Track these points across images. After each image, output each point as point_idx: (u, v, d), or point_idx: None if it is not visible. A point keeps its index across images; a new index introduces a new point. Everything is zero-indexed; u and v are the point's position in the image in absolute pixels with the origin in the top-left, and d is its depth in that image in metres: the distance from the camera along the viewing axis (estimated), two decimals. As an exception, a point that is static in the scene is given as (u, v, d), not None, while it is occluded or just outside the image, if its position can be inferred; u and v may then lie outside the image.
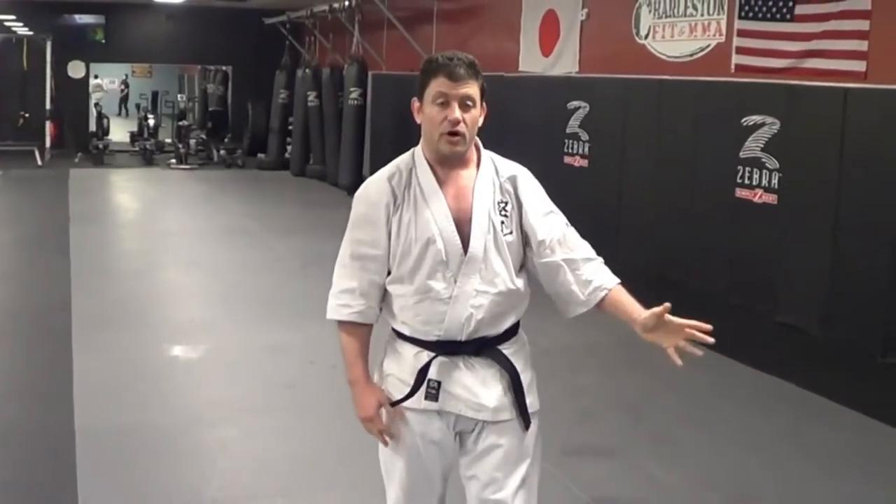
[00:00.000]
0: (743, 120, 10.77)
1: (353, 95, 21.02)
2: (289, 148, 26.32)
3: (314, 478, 6.99)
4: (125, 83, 42.72)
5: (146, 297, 12.25)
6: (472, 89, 4.06)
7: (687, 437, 7.93)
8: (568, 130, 14.28)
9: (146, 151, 28.81)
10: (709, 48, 11.88)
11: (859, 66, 9.64)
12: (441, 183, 4.14)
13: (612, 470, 7.27)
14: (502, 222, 4.14)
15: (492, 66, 17.14)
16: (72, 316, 10.91)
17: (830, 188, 9.76)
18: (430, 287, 4.08)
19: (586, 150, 13.91)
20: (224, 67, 32.48)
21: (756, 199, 10.59)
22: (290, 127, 26.04)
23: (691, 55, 12.17)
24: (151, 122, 30.98)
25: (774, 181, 10.43)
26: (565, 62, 15.00)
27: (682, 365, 3.88)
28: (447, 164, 4.15)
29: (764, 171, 10.53)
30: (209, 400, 8.58)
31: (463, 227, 4.09)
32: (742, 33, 11.16)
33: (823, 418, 8.42)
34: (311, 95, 23.90)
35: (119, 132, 32.26)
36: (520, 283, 4.19)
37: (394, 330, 4.29)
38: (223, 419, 8.06)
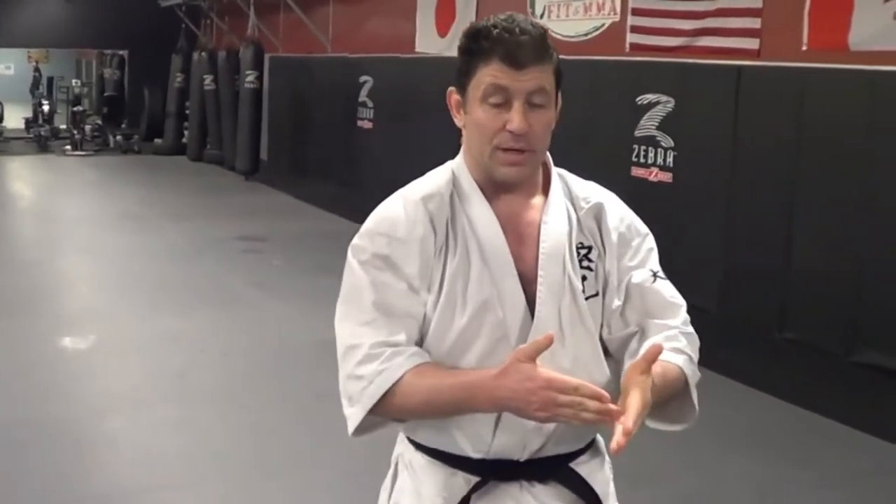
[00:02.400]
0: (638, 98, 10.75)
1: (250, 79, 20.81)
2: (186, 133, 26.05)
3: (203, 469, 6.85)
4: (37, 69, 42.29)
5: (36, 287, 12.00)
6: (546, 77, 2.63)
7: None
8: (465, 111, 14.22)
9: (41, 138, 28.47)
10: (603, 27, 11.85)
11: (752, 43, 9.65)
12: (496, 215, 2.72)
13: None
14: (584, 278, 2.74)
15: (388, 47, 17.09)
16: (-43, 307, 10.69)
17: (725, 165, 9.78)
18: None
19: (483, 130, 13.87)
20: (120, 52, 32.10)
21: (651, 178, 10.58)
22: (187, 111, 25.78)
23: (586, 35, 12.14)
24: (46, 108, 30.57)
25: (669, 159, 10.42)
26: (462, 42, 14.90)
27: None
28: (503, 188, 2.73)
29: (659, 150, 10.52)
30: (97, 391, 8.41)
31: (530, 286, 2.68)
32: (636, 12, 11.14)
33: (720, 395, 8.40)
34: (208, 79, 23.66)
35: (14, 119, 31.78)
36: (609, 369, 2.78)
37: (408, 439, 2.86)
38: (111, 411, 7.89)
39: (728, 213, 9.81)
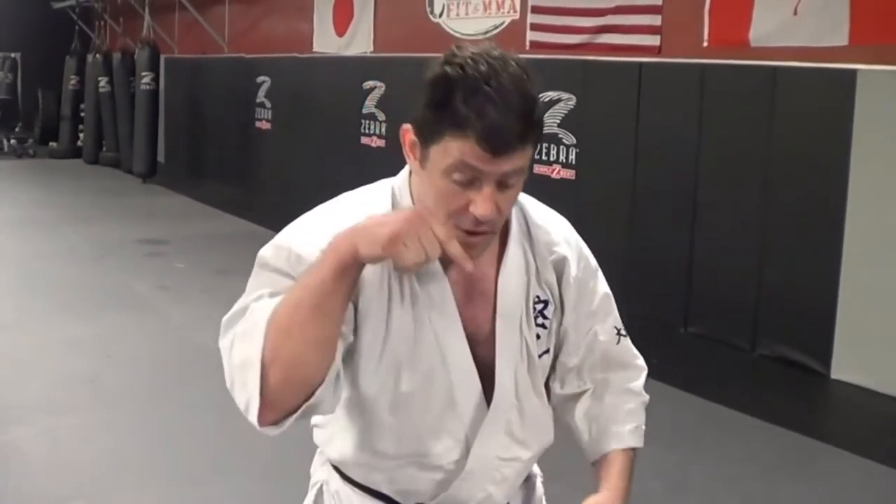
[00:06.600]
0: (539, 96, 10.81)
1: (146, 80, 20.60)
2: (81, 136, 25.72)
3: (116, 477, 6.72)
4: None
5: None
6: (526, 156, 2.17)
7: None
8: (364, 111, 14.24)
9: (-70, 144, 27.94)
10: (503, 25, 11.91)
11: (653, 40, 9.75)
12: (444, 265, 2.31)
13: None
14: (538, 336, 2.45)
15: (285, 46, 17.05)
16: None
17: (627, 162, 9.87)
18: (425, 450, 2.41)
19: (383, 130, 13.87)
20: (13, 54, 31.64)
21: (554, 175, 10.65)
22: (83, 114, 25.46)
23: (486, 33, 12.18)
24: (-65, 112, 30.07)
25: (572, 157, 10.50)
26: (360, 42, 14.92)
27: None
28: None
29: (561, 147, 10.59)
30: (2, 401, 8.26)
31: (479, 347, 2.37)
32: (536, 10, 11.21)
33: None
34: (103, 81, 23.35)
35: None
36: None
37: (335, 468, 2.59)
38: (16, 420, 7.71)
39: (631, 210, 9.91)
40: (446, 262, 2.27)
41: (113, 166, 23.24)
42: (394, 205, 2.34)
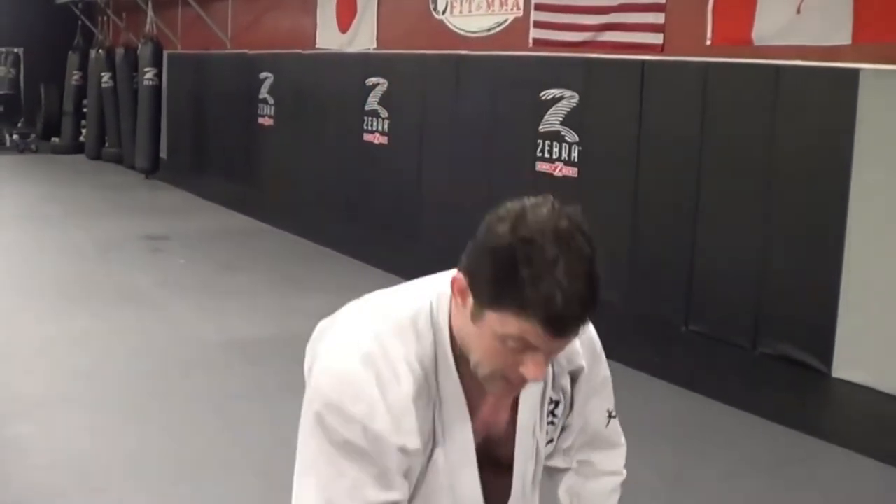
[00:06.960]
0: (542, 94, 10.81)
1: (148, 76, 20.59)
2: (83, 131, 25.71)
3: (116, 472, 6.71)
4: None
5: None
6: (581, 332, 2.13)
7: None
8: (367, 107, 14.22)
9: (-67, 139, 27.92)
10: (506, 23, 11.90)
11: (656, 38, 9.75)
12: (467, 391, 2.27)
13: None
14: (546, 431, 2.51)
15: (288, 43, 17.02)
16: None
17: (629, 160, 9.87)
18: None
19: (386, 126, 13.85)
20: (15, 49, 31.63)
21: (556, 173, 10.65)
22: (85, 109, 25.45)
23: (489, 30, 12.18)
24: (-62, 107, 30.05)
25: (574, 154, 10.50)
26: (363, 39, 14.90)
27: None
28: None
29: (563, 145, 10.59)
30: (2, 395, 8.25)
31: (492, 447, 2.38)
32: (539, 7, 11.20)
33: (629, 387, 8.40)
34: (106, 77, 23.38)
35: None
36: None
37: None
38: (19, 415, 7.71)
39: (633, 208, 9.90)
40: (472, 405, 2.28)
41: (115, 162, 23.27)
42: (437, 349, 2.24)
